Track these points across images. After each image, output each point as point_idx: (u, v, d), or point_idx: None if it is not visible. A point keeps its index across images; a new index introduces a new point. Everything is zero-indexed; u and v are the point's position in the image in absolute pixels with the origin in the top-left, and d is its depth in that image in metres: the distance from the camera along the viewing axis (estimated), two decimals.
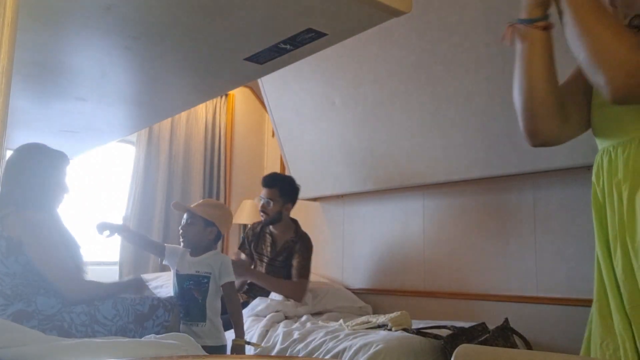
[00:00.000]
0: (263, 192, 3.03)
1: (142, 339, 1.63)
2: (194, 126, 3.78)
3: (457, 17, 2.24)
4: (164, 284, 3.02)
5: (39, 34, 1.32)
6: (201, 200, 2.41)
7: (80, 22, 1.26)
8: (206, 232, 2.26)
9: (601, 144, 1.13)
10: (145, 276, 3.14)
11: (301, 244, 3.04)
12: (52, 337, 1.53)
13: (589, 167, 2.22)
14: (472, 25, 2.21)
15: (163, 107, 2.09)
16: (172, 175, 3.62)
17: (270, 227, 3.05)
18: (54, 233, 1.82)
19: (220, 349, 2.17)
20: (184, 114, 3.70)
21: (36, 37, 1.34)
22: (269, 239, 3.13)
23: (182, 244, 2.29)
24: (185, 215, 2.29)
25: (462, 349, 1.02)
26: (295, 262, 2.98)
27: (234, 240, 3.95)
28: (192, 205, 2.32)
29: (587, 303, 2.21)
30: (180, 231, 2.27)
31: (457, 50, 2.31)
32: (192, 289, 2.17)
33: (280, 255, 3.06)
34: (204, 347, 2.09)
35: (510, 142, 2.30)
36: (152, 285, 3.06)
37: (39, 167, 1.94)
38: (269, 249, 3.12)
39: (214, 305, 2.18)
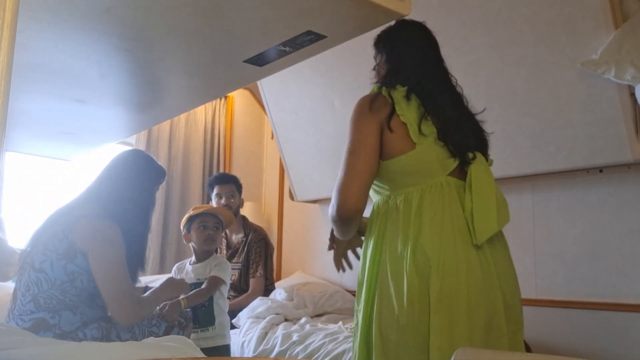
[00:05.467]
0: (219, 189, 3.07)
1: (142, 341, 1.63)
2: (193, 128, 3.78)
3: (456, 19, 2.24)
4: None
5: (38, 36, 1.32)
6: (207, 206, 2.41)
7: (80, 24, 1.26)
8: (222, 237, 2.30)
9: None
10: (144, 279, 3.14)
11: (253, 237, 3.11)
12: (51, 340, 1.52)
13: (587, 170, 2.23)
14: (471, 28, 2.21)
15: (162, 109, 2.09)
16: (171, 177, 3.61)
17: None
18: (121, 251, 1.70)
19: (225, 348, 2.17)
20: (183, 116, 3.69)
21: (36, 39, 1.34)
22: (224, 242, 3.16)
23: (205, 248, 2.26)
24: (212, 220, 2.26)
25: (461, 351, 1.02)
26: (253, 256, 3.05)
27: None
28: (211, 210, 2.32)
29: (587, 305, 2.23)
30: (206, 236, 2.24)
31: (456, 53, 2.31)
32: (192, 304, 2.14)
33: (235, 256, 3.10)
34: (211, 349, 2.09)
35: (509, 144, 2.31)
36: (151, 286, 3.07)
37: (140, 178, 1.84)
38: (224, 252, 3.14)
39: (220, 305, 2.20)
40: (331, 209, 1.35)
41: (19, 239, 2.58)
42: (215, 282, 2.19)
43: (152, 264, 3.42)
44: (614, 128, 1.98)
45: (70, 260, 1.64)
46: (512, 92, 2.22)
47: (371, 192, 1.40)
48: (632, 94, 1.89)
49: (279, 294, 2.91)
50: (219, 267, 2.23)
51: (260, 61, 1.48)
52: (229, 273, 2.28)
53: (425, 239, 1.22)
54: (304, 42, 1.35)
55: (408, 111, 1.32)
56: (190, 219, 2.28)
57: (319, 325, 2.52)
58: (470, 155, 1.35)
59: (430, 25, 2.40)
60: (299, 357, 2.17)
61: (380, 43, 1.53)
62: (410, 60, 1.44)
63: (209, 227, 2.24)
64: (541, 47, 2.06)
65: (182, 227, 2.32)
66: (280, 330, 2.43)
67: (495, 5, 2.11)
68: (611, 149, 2.03)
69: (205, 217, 2.25)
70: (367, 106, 1.35)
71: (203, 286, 2.16)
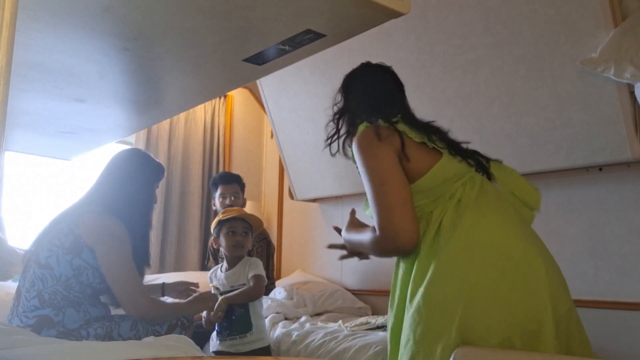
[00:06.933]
0: (224, 188, 3.04)
1: (142, 340, 1.63)
2: (193, 127, 3.78)
3: (455, 18, 2.24)
4: None
5: (37, 35, 1.32)
6: (235, 209, 2.38)
7: (79, 23, 1.26)
8: (251, 241, 2.29)
9: None
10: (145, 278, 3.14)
11: (254, 236, 3.07)
12: (52, 339, 1.52)
13: (587, 168, 2.23)
14: (471, 27, 2.21)
15: (162, 108, 2.09)
16: (170, 176, 3.61)
17: None
18: (128, 247, 1.74)
19: (263, 350, 2.15)
20: (182, 115, 3.69)
21: (35, 38, 1.34)
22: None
23: (233, 254, 2.23)
24: (241, 225, 2.24)
25: (461, 350, 1.02)
26: (255, 256, 3.00)
27: None
28: (241, 215, 2.28)
29: (585, 304, 2.23)
30: (235, 242, 2.21)
31: (456, 51, 2.31)
32: (233, 304, 2.13)
33: None
34: (251, 352, 2.08)
35: (508, 143, 2.31)
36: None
37: (138, 175, 1.86)
38: None
39: (256, 309, 2.17)
40: (375, 246, 1.24)
41: (18, 239, 2.58)
42: (260, 282, 2.16)
43: (153, 263, 3.41)
44: (614, 126, 1.98)
45: (77, 255, 1.65)
46: (511, 90, 2.22)
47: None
48: (632, 93, 1.90)
49: (278, 292, 2.91)
50: (252, 265, 2.19)
51: (259, 60, 1.48)
52: (259, 265, 2.26)
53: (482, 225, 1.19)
54: (304, 41, 1.35)
55: (417, 133, 1.32)
56: (220, 224, 2.26)
57: (319, 324, 2.53)
58: (483, 160, 1.39)
59: (429, 23, 2.41)
60: (299, 356, 2.17)
61: (351, 84, 1.57)
62: (389, 96, 1.47)
63: (238, 233, 2.22)
64: (540, 45, 2.06)
65: (212, 231, 2.30)
66: (280, 329, 2.44)
67: (495, 4, 2.11)
68: (610, 147, 2.03)
69: (235, 222, 2.23)
70: (375, 137, 1.28)
71: (248, 285, 2.14)
